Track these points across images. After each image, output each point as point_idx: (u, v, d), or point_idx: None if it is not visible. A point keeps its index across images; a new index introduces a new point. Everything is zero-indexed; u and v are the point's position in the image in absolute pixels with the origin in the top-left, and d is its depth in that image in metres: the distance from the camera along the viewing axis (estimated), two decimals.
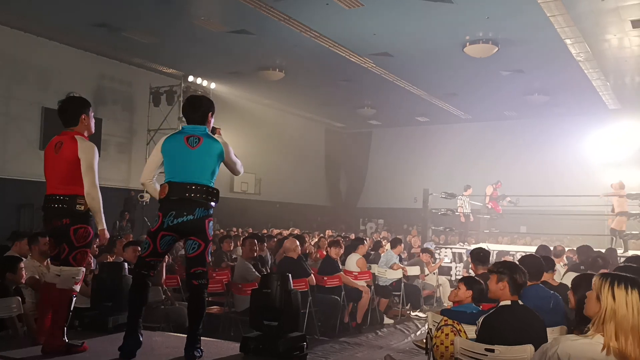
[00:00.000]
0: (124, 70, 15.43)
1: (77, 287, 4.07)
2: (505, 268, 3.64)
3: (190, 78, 14.85)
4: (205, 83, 15.28)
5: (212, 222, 4.00)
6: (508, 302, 3.54)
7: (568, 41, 12.14)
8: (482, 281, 4.77)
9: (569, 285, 3.92)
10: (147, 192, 4.31)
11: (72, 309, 4.05)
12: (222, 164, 4.08)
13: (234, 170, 4.17)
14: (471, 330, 4.22)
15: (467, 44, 12.60)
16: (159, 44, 13.57)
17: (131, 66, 15.55)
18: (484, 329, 3.49)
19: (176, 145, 3.96)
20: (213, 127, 4.18)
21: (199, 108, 4.08)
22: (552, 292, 4.43)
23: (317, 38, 12.70)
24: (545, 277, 4.85)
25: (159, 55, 14.68)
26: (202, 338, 4.01)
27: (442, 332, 4.33)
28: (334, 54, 13.77)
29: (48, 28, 12.81)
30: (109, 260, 6.94)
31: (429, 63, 14.38)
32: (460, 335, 4.28)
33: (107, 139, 14.82)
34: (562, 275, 6.35)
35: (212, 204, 3.97)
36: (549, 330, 3.70)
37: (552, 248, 8.22)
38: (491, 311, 3.57)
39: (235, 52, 13.90)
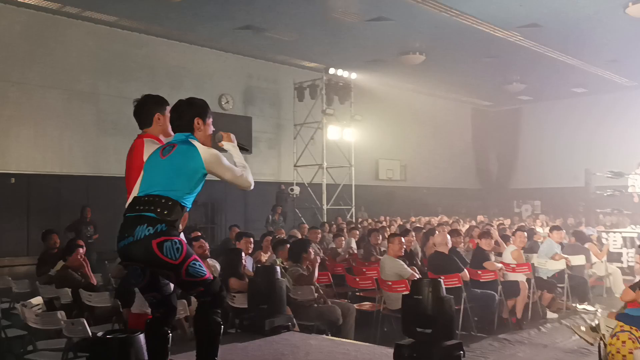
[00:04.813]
0: (269, 68, 16.10)
1: None
2: None
3: (332, 70, 15.00)
4: (346, 74, 15.37)
5: (170, 242, 3.03)
6: None
7: None
8: None
9: None
10: None
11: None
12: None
13: (232, 182, 3.29)
14: None
15: (630, 3, 11.37)
16: (300, 40, 13.91)
17: (275, 64, 16.19)
18: None
19: (151, 157, 3.33)
20: (218, 133, 3.43)
21: (182, 115, 3.36)
22: None
23: (457, 16, 12.17)
24: None
25: (301, 50, 15.07)
26: (356, 342, 3.97)
27: (617, 339, 3.94)
28: (476, 31, 13.13)
29: (198, 36, 13.73)
30: (262, 258, 7.29)
31: (584, 29, 13.15)
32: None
33: (257, 135, 15.60)
34: None
35: (166, 219, 3.05)
36: None
37: None
38: None
39: (374, 40, 13.80)
